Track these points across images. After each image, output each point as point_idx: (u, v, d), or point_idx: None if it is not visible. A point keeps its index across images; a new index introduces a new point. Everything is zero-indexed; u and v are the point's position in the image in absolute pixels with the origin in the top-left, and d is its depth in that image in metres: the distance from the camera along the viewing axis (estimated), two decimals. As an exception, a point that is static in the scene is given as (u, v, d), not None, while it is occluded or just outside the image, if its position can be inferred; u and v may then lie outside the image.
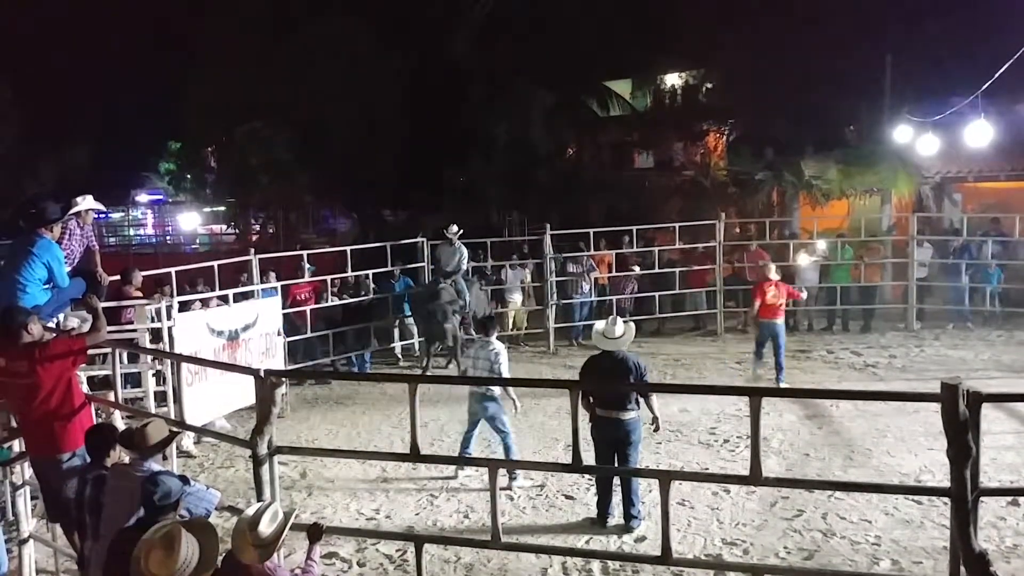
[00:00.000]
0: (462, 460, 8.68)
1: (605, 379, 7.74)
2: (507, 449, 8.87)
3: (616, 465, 7.66)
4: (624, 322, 8.07)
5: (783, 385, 12.40)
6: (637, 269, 16.72)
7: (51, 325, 7.26)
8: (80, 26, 32.90)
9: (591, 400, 7.64)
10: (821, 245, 16.72)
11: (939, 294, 17.06)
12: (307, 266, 14.42)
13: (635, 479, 7.72)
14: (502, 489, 8.16)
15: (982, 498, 4.21)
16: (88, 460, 5.56)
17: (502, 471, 8.34)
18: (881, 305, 17.00)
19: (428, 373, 13.54)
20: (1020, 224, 16.34)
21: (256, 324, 11.31)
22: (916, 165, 19.42)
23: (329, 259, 15.95)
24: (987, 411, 4.22)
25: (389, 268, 14.98)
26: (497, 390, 8.74)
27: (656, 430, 8.06)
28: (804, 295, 13.69)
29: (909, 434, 9.82)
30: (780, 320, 12.80)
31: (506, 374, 8.96)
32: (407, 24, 25.05)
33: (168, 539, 3.90)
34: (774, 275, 12.77)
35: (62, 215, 7.71)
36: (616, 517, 7.74)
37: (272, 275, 13.32)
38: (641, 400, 7.69)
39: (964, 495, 3.99)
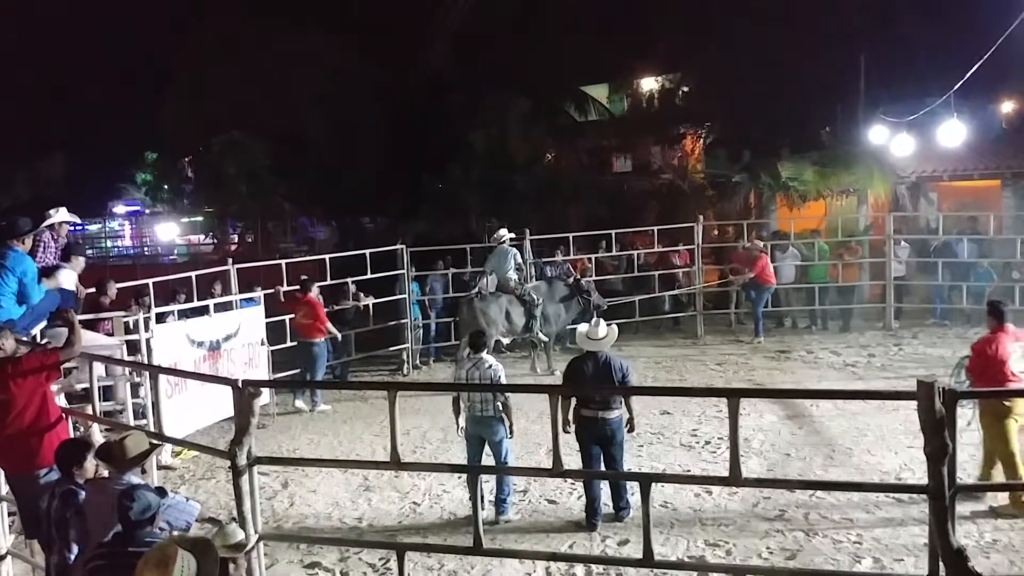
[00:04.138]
0: (444, 467, 8.62)
1: (590, 380, 7.81)
2: (503, 482, 8.34)
3: (603, 462, 7.80)
4: (607, 324, 8.15)
5: (761, 338, 15.70)
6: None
7: (26, 339, 7.18)
8: (53, 36, 32.67)
9: (575, 401, 7.75)
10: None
11: (917, 293, 17.18)
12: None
13: (623, 471, 7.91)
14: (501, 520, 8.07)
15: (962, 495, 4.24)
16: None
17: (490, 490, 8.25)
18: (859, 305, 17.11)
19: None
20: (995, 222, 16.52)
21: (238, 334, 11.22)
22: (891, 165, 19.59)
23: (309, 267, 15.86)
24: (966, 408, 4.25)
25: (397, 273, 15.02)
26: (499, 412, 7.98)
27: (631, 430, 8.05)
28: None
29: (889, 432, 9.88)
30: (774, 284, 16.11)
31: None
32: (384, 34, 25.10)
33: (163, 558, 3.83)
34: (762, 249, 15.99)
35: (34, 227, 7.65)
36: (606, 509, 7.82)
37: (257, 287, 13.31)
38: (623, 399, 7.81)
39: (942, 492, 4.01)
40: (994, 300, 8.72)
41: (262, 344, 11.78)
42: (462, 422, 8.11)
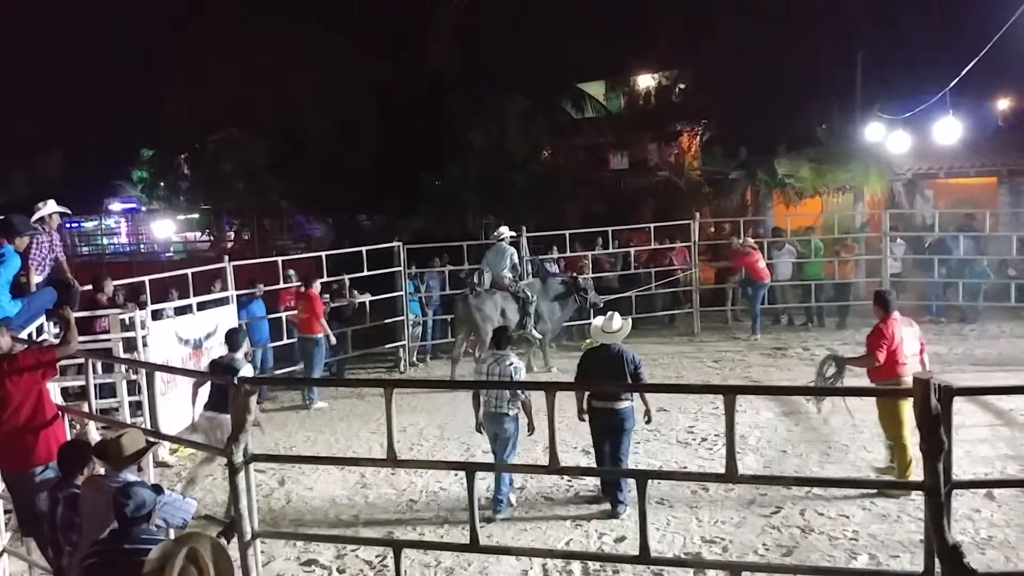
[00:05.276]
0: (441, 464, 8.62)
1: (602, 371, 8.06)
2: (502, 482, 8.36)
3: (609, 451, 8.04)
4: (622, 318, 8.38)
5: (758, 335, 15.61)
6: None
7: (22, 337, 7.17)
8: (51, 34, 32.63)
9: (587, 392, 8.10)
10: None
11: (913, 290, 17.19)
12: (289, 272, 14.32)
13: (624, 465, 8.09)
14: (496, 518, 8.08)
15: (957, 491, 4.24)
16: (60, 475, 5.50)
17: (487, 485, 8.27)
18: (856, 301, 17.09)
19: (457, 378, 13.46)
20: (991, 219, 16.53)
21: (216, 333, 11.27)
22: (888, 162, 19.59)
23: (305, 265, 15.86)
24: (961, 405, 4.24)
25: (394, 270, 14.96)
26: (512, 409, 8.10)
27: (648, 422, 8.26)
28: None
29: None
30: (769, 281, 15.99)
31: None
32: (383, 33, 25.11)
33: (199, 565, 3.81)
34: (753, 245, 15.80)
35: (29, 226, 7.65)
36: (604, 504, 8.02)
37: (260, 285, 13.50)
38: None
39: (938, 488, 4.01)
40: (880, 291, 9.17)
41: None
42: (480, 418, 8.22)
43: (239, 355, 8.60)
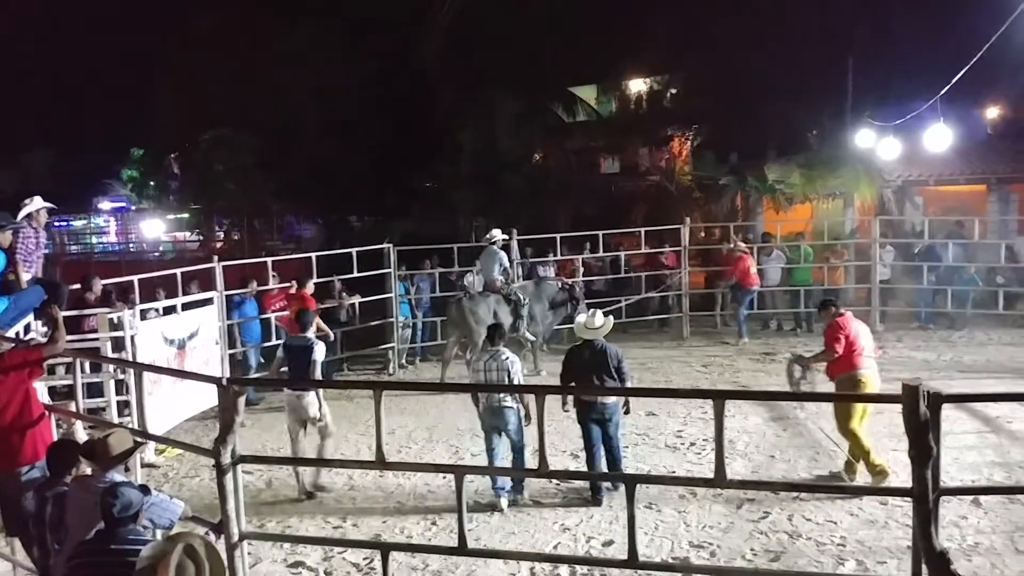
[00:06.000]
0: (429, 467, 8.62)
1: (587, 367, 8.35)
2: (519, 464, 8.57)
3: (603, 440, 8.36)
4: (604, 315, 8.72)
5: (746, 340, 15.60)
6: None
7: (9, 335, 7.13)
8: (41, 32, 32.53)
9: (573, 387, 8.47)
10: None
11: (902, 296, 17.26)
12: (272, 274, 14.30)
13: (619, 450, 8.45)
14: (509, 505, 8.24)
15: (944, 497, 4.25)
16: (47, 474, 5.46)
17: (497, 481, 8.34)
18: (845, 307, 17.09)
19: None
20: (980, 227, 16.59)
21: (199, 333, 11.25)
22: (878, 169, 19.68)
23: (294, 266, 15.80)
24: (949, 412, 4.25)
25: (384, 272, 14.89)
26: (512, 401, 8.30)
27: (627, 412, 8.62)
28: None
29: (873, 435, 9.82)
30: (758, 285, 16.00)
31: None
32: (375, 32, 25.07)
33: (199, 567, 3.80)
34: (744, 250, 15.93)
35: (10, 220, 7.61)
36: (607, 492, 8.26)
37: (254, 283, 13.56)
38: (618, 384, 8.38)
39: (925, 495, 4.02)
40: (826, 299, 9.84)
41: (216, 344, 11.80)
42: (481, 412, 8.41)
43: (310, 333, 9.12)
